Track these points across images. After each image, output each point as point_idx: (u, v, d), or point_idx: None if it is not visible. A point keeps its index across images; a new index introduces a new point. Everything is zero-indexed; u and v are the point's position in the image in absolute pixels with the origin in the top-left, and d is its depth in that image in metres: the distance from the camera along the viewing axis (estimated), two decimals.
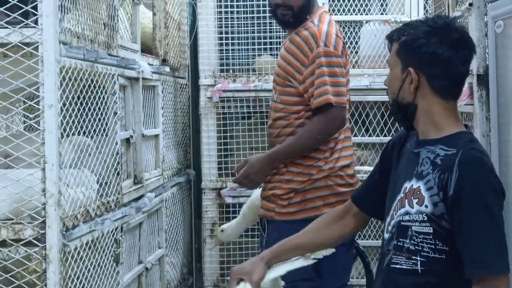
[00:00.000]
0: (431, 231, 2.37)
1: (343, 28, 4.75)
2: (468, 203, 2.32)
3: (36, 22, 2.49)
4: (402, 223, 2.44)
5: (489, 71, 3.30)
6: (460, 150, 2.38)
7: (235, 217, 4.63)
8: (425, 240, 2.39)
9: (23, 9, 2.50)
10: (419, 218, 2.39)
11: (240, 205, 4.62)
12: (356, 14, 4.83)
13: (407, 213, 2.43)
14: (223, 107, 4.67)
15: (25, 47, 2.48)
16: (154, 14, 4.04)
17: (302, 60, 3.56)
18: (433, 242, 2.37)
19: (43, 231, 2.51)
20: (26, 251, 2.59)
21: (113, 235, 3.07)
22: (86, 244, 2.78)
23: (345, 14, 4.82)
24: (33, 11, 2.50)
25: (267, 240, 3.69)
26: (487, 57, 3.35)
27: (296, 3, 3.58)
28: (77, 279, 2.73)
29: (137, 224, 3.56)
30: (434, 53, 2.43)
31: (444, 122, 2.46)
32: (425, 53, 2.44)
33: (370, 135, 4.68)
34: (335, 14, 4.74)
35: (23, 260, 2.62)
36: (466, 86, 3.50)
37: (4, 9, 2.52)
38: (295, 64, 3.58)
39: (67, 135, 2.67)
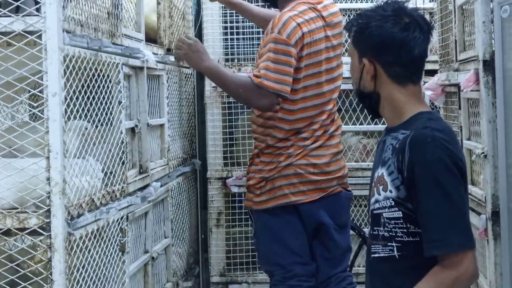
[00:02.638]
0: (401, 215, 2.36)
1: (349, 16, 4.72)
2: (420, 182, 2.31)
3: (39, 10, 2.48)
4: (374, 211, 2.44)
5: (495, 57, 3.28)
6: (413, 130, 2.36)
7: (241, 206, 4.64)
8: (397, 225, 2.37)
9: None
10: (387, 204, 2.39)
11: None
12: (361, 2, 4.80)
13: (376, 201, 2.42)
14: (228, 96, 4.65)
15: (28, 36, 2.47)
16: (158, 3, 4.03)
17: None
18: (405, 225, 2.36)
19: (48, 220, 2.50)
20: (31, 240, 2.58)
21: (118, 224, 3.06)
22: (92, 233, 2.77)
23: (351, 2, 4.79)
24: None
25: (254, 230, 3.76)
26: (493, 42, 3.34)
27: None
28: (83, 268, 2.73)
29: (142, 213, 3.56)
30: (384, 40, 2.42)
31: (405, 107, 2.44)
32: (375, 41, 2.43)
33: (376, 123, 4.66)
34: (340, 2, 4.71)
35: (28, 249, 2.62)
36: (472, 72, 3.50)
37: None
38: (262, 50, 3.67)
39: (74, 118, 2.66)
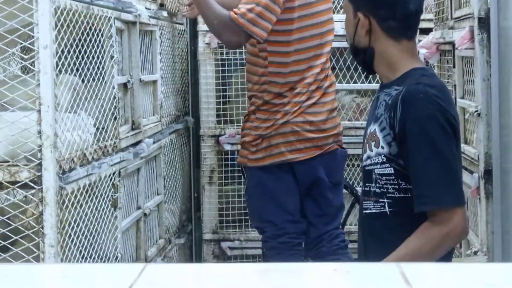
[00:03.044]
0: (392, 172, 2.36)
1: None
2: (412, 139, 2.31)
3: None
4: (366, 167, 2.44)
5: (490, 14, 3.26)
6: (406, 86, 2.36)
7: (234, 164, 4.63)
8: (388, 182, 2.37)
9: None
10: (378, 160, 2.39)
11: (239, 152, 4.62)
12: None
13: (368, 157, 2.42)
14: (221, 53, 4.63)
15: None
16: None
17: None
18: (396, 182, 2.36)
19: (39, 173, 2.49)
20: (23, 194, 2.57)
21: (110, 180, 3.05)
22: (83, 187, 2.76)
23: None
24: None
25: (246, 187, 3.75)
26: (489, 0, 3.31)
27: None
28: (75, 222, 2.72)
29: (135, 169, 3.55)
30: None
31: (398, 63, 2.43)
32: None
33: (370, 82, 4.65)
34: None
35: (20, 203, 2.61)
36: (466, 29, 3.48)
37: None
38: None
39: (65, 73, 2.64)
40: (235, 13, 3.56)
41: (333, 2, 4.60)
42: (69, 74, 2.70)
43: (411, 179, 2.34)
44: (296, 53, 3.65)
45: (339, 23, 4.38)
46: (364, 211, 2.48)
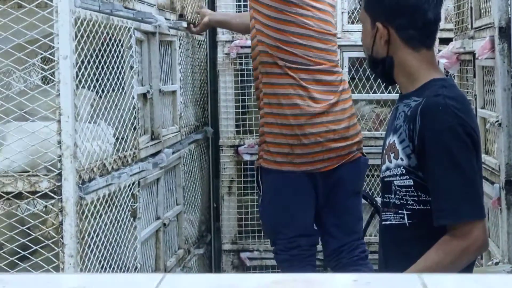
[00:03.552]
0: (412, 183, 2.34)
1: None
2: (431, 152, 2.29)
3: None
4: (385, 179, 2.42)
5: (511, 24, 3.25)
6: (425, 98, 2.34)
7: (253, 174, 4.62)
8: (407, 193, 2.36)
9: None
10: (398, 171, 2.37)
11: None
12: None
13: (387, 168, 2.41)
14: (240, 64, 4.64)
15: None
16: None
17: None
18: (416, 193, 2.34)
19: (59, 183, 2.49)
20: (43, 204, 2.58)
21: (130, 190, 3.06)
22: (103, 197, 2.76)
23: None
24: None
25: (262, 198, 3.71)
26: (509, 9, 3.30)
27: None
28: (94, 232, 2.73)
29: (154, 179, 3.55)
30: (398, 3, 2.40)
31: (418, 73, 2.42)
32: (389, 5, 2.41)
33: (389, 92, 4.63)
34: None
35: (40, 213, 2.62)
36: (487, 39, 3.46)
37: None
38: None
39: (83, 87, 2.65)
40: None
41: (351, 14, 4.60)
42: (87, 89, 2.70)
43: (430, 192, 2.32)
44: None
45: (357, 33, 4.38)
46: (384, 222, 2.47)
